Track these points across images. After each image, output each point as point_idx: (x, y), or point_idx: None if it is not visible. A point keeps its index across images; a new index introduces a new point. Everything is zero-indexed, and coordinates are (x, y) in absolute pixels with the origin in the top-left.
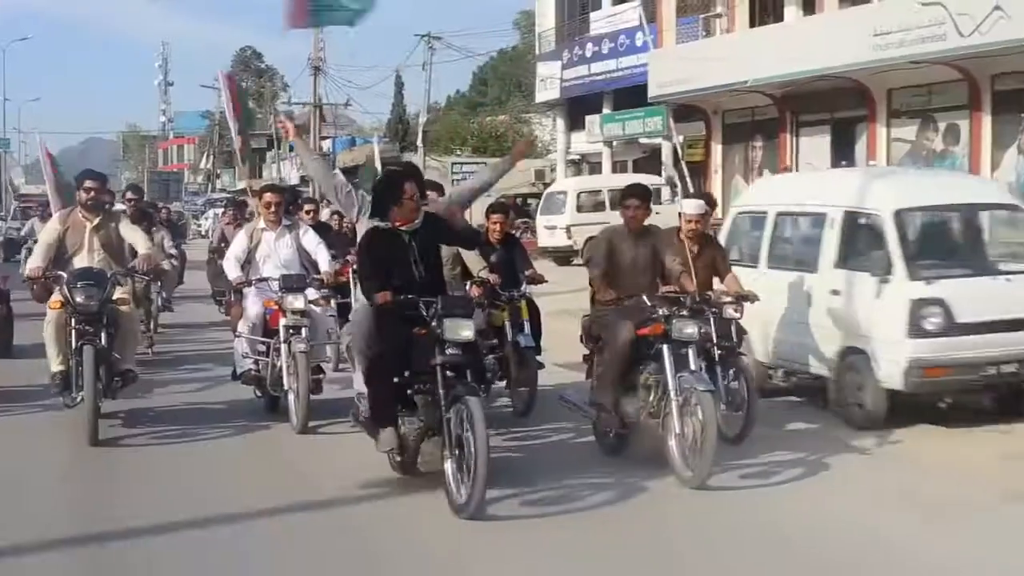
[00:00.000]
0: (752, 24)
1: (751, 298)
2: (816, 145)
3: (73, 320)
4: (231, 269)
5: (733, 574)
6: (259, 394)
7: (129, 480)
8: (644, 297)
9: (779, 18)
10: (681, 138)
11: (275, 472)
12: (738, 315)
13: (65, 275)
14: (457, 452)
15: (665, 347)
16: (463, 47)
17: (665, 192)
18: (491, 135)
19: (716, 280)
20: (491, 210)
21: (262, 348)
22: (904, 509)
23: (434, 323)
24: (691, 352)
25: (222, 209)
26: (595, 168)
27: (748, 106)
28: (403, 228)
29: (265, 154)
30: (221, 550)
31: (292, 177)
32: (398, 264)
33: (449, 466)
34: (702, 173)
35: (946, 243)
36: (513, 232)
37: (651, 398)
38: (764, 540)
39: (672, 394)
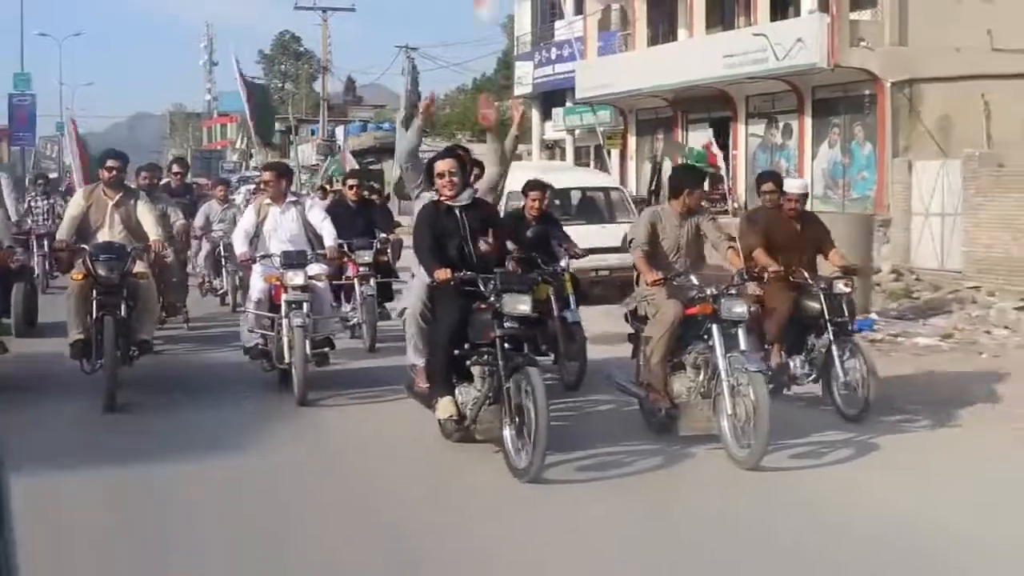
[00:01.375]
0: (651, 43)
1: (861, 271)
2: (700, 138)
3: (95, 291)
4: (239, 244)
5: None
6: (268, 368)
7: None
8: (692, 276)
9: (675, 38)
10: (603, 129)
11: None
12: (849, 290)
13: (88, 248)
14: (517, 420)
15: (715, 327)
16: (438, 56)
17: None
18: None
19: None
20: (528, 187)
21: (267, 323)
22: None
23: (493, 298)
24: (741, 331)
25: (253, 186)
26: (564, 153)
27: (652, 107)
28: (452, 204)
29: (291, 136)
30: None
31: (312, 158)
32: (452, 239)
33: (508, 433)
34: (622, 159)
35: (580, 208)
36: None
37: (700, 377)
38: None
39: (723, 374)
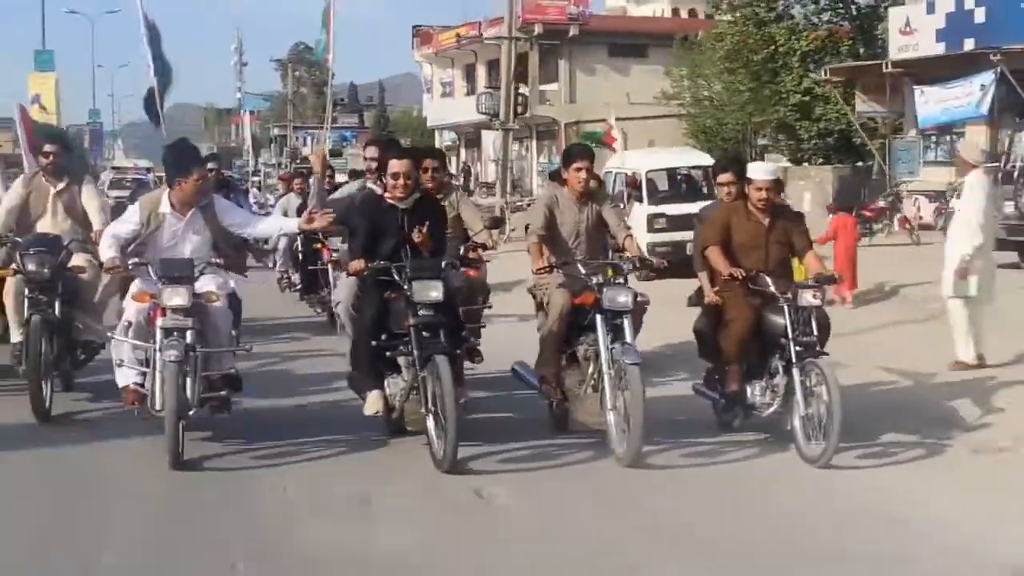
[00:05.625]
0: (467, 95)
1: (837, 280)
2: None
3: (27, 289)
4: (105, 248)
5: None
6: (144, 416)
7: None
8: (579, 264)
9: (473, 92)
10: (447, 143)
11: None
12: (817, 302)
13: (20, 241)
14: (434, 409)
15: (599, 317)
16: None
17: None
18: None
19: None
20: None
21: (143, 356)
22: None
23: (405, 286)
24: (626, 322)
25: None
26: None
27: (473, 130)
28: (394, 203)
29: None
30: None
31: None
32: (389, 236)
33: (430, 422)
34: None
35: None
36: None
37: (591, 370)
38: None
39: (604, 366)
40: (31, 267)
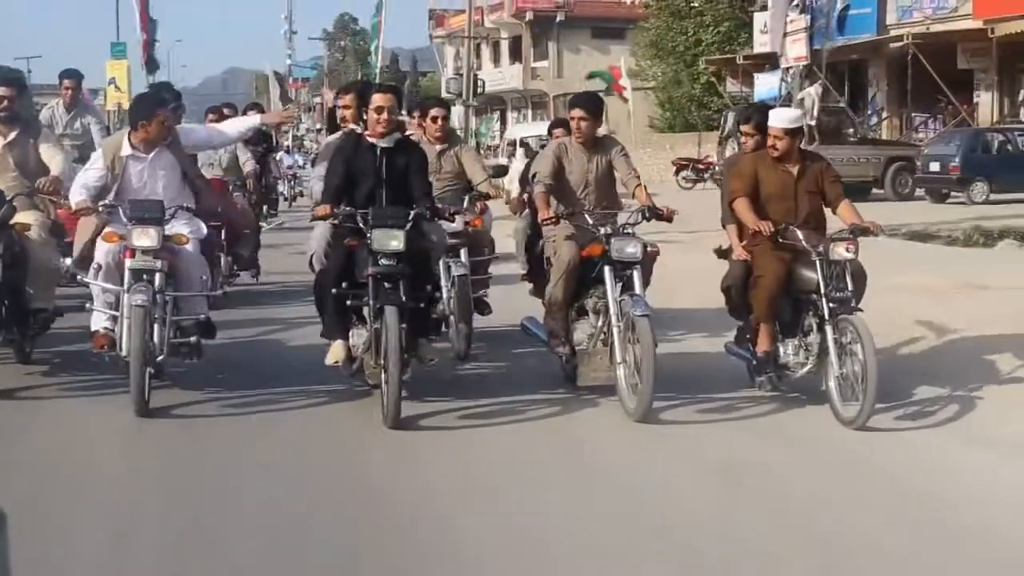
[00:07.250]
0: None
1: (874, 231)
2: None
3: None
4: (75, 195)
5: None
6: (117, 363)
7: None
8: (585, 215)
9: (481, 67)
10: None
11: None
12: (851, 255)
13: None
14: (384, 362)
15: (607, 268)
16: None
17: None
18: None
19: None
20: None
21: (113, 300)
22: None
23: (368, 234)
24: (635, 273)
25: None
26: None
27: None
28: (375, 141)
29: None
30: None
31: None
32: (365, 179)
33: (383, 376)
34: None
35: None
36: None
37: (600, 323)
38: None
39: (613, 319)
40: None
